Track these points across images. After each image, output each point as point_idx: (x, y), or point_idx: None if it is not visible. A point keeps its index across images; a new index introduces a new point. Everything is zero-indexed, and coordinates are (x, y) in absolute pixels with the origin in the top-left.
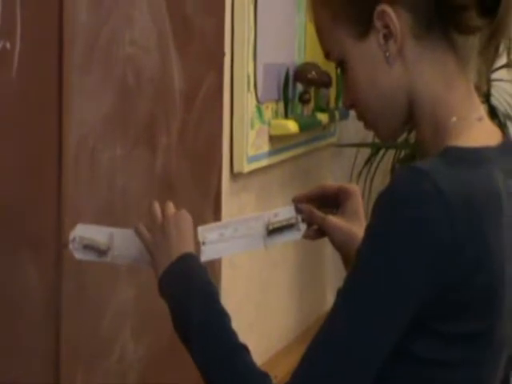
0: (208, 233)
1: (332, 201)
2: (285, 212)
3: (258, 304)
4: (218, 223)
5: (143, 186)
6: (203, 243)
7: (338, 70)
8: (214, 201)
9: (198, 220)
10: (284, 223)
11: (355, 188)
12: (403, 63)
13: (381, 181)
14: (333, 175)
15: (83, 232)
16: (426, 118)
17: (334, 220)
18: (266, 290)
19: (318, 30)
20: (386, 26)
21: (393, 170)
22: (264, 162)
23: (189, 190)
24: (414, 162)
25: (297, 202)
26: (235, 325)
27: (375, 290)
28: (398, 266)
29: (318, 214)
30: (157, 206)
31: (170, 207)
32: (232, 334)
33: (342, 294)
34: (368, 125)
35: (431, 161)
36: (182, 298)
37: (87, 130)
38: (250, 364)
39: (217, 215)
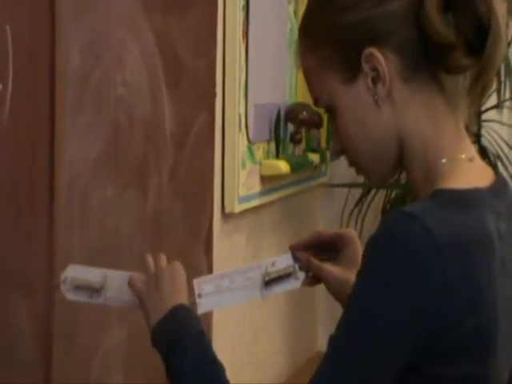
0: (204, 285)
1: (329, 247)
2: (282, 260)
3: (250, 345)
4: (214, 275)
5: (134, 227)
6: (199, 295)
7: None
8: (205, 241)
9: (190, 261)
10: (281, 273)
11: (352, 234)
12: (392, 106)
13: (372, 221)
14: (324, 215)
15: (75, 272)
16: (417, 160)
17: (331, 269)
18: (257, 332)
19: (307, 76)
20: (374, 69)
21: (384, 210)
22: (255, 202)
23: (180, 230)
24: (403, 206)
25: (294, 250)
26: (227, 366)
27: (363, 335)
28: (387, 310)
29: (315, 262)
30: (150, 258)
31: (163, 259)
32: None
33: (332, 340)
34: (359, 170)
35: (421, 204)
36: (174, 348)
37: (79, 171)
38: None
39: (208, 256)
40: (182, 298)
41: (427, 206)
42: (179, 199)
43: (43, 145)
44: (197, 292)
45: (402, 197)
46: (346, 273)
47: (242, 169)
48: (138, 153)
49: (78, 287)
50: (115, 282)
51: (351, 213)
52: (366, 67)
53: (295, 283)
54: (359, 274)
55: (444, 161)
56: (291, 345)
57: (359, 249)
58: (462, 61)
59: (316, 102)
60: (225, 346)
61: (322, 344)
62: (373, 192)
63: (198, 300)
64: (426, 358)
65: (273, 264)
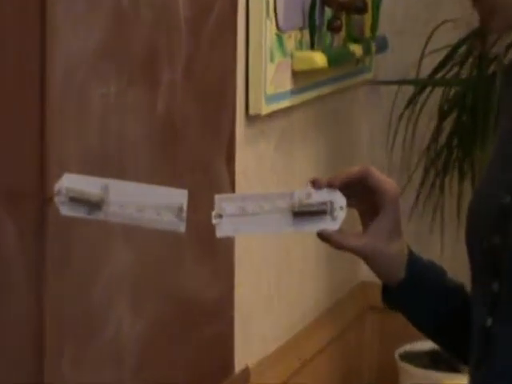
0: (226, 204)
1: (368, 191)
2: (321, 194)
3: (279, 270)
4: (238, 194)
5: (142, 131)
6: (219, 216)
7: None
8: (227, 149)
9: (208, 172)
10: (314, 208)
11: (396, 194)
12: None
13: (426, 125)
14: (368, 119)
15: (71, 183)
16: None
17: (370, 248)
18: (288, 253)
19: None
20: None
21: (441, 111)
22: (285, 103)
23: (197, 135)
24: (463, 105)
25: (332, 184)
26: (251, 296)
27: None
28: None
29: (353, 242)
30: None
31: None
32: None
33: None
34: (484, 8)
35: None
36: None
37: (75, 63)
38: None
39: (230, 166)
40: None
41: None
42: (195, 98)
43: (33, 31)
44: (216, 211)
45: (463, 95)
46: (387, 248)
47: (270, 62)
48: (145, 41)
49: (75, 200)
50: (119, 193)
51: (401, 115)
52: None
53: (332, 224)
54: None
55: None
56: (329, 272)
57: (398, 215)
58: None
59: None
60: (248, 270)
61: (366, 272)
62: (427, 90)
63: (216, 220)
64: None
65: (308, 195)
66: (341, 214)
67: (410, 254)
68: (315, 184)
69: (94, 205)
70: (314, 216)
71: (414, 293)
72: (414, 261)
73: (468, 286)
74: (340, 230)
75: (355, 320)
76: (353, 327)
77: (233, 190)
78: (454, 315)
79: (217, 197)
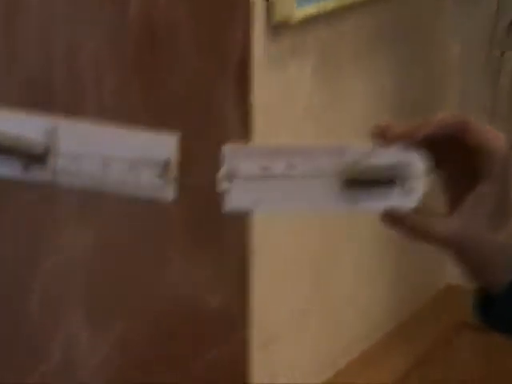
0: (241, 160)
1: (464, 151)
2: (388, 153)
3: (319, 271)
4: (259, 146)
5: (106, 46)
6: (231, 178)
7: None
8: (238, 76)
9: (210, 117)
10: (378, 174)
11: (507, 156)
12: None
13: None
14: (458, 37)
15: (0, 124)
16: None
17: (463, 235)
18: (335, 245)
19: None
20: None
21: None
22: (329, 4)
23: (190, 54)
24: None
25: (415, 139)
26: (276, 310)
27: None
28: None
29: (439, 227)
30: None
31: None
32: None
33: None
34: None
35: None
36: None
37: None
38: None
39: (243, 102)
40: None
41: None
42: None
43: None
44: (225, 170)
45: None
46: (468, 226)
47: None
48: None
49: (6, 151)
50: (72, 140)
51: (509, 33)
52: None
53: (406, 200)
54: None
55: None
56: (397, 273)
57: (509, 185)
58: None
59: None
60: (272, 270)
61: (453, 272)
62: None
63: (225, 185)
64: None
65: (369, 153)
66: (420, 186)
67: None
68: (381, 134)
69: (35, 157)
70: (376, 187)
71: None
72: None
73: None
74: (418, 210)
75: (439, 343)
76: (435, 354)
77: (248, 138)
78: None
79: (226, 148)
